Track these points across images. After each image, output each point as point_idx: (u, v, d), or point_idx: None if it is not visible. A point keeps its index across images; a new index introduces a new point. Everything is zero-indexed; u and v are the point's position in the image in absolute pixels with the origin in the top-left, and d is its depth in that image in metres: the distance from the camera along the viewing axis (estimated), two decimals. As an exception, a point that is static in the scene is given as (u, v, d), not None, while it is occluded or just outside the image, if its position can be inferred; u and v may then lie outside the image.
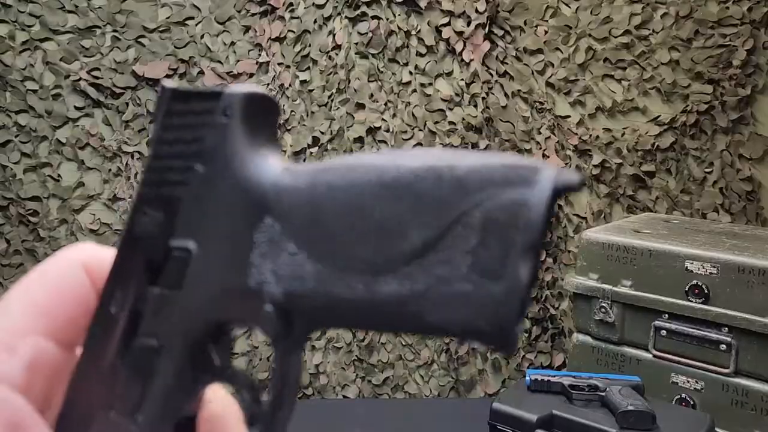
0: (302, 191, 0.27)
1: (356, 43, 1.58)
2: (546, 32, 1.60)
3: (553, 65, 1.59)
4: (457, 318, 0.23)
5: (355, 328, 0.29)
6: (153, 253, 0.28)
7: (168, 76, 1.50)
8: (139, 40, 1.49)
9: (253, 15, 1.55)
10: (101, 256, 0.28)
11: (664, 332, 1.14)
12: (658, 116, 1.61)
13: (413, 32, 1.58)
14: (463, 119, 1.62)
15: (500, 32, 1.63)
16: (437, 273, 0.24)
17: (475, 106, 1.62)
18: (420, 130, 1.61)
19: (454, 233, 0.24)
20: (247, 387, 0.27)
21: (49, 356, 0.27)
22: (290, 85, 1.58)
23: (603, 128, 1.61)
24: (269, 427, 0.27)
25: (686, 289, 1.12)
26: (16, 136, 1.47)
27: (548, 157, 1.58)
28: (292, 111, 1.59)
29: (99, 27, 1.48)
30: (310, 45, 1.57)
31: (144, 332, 0.28)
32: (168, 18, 1.50)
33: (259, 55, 1.56)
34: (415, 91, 1.61)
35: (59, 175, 1.49)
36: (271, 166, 0.28)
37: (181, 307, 0.28)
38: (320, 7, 1.57)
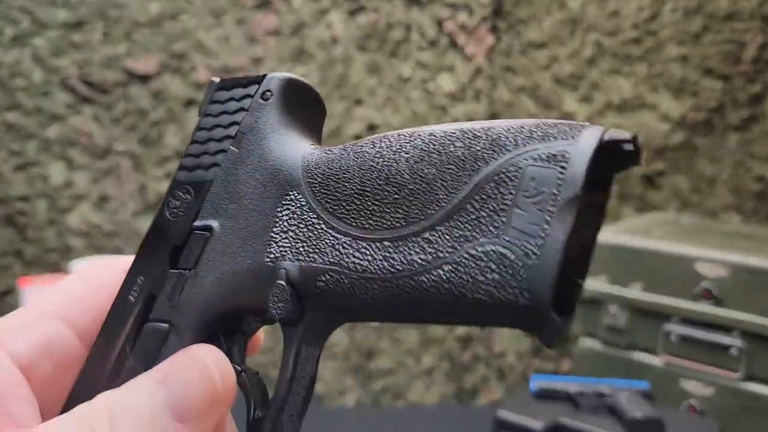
0: (330, 161, 0.27)
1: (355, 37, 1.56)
2: (552, 26, 1.58)
3: (559, 60, 1.57)
4: (483, 288, 0.22)
5: (375, 317, 0.27)
6: (178, 236, 0.29)
7: (159, 72, 1.47)
8: (130, 35, 1.46)
9: (247, 8, 1.53)
10: None
11: (673, 337, 1.13)
12: (668, 113, 1.59)
13: (414, 26, 1.56)
14: (467, 116, 1.60)
15: (505, 26, 1.61)
16: (463, 234, 0.23)
17: (479, 102, 1.60)
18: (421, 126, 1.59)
19: (486, 192, 0.23)
20: (257, 391, 0.27)
21: (64, 344, 0.28)
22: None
23: (612, 125, 1.58)
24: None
25: (696, 292, 1.10)
26: (5, 134, 1.44)
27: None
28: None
29: (89, 22, 1.45)
30: (306, 38, 1.54)
31: (156, 316, 0.28)
32: (159, 12, 1.47)
33: (254, 49, 1.54)
34: (416, 86, 1.58)
35: (47, 175, 1.46)
36: (301, 145, 0.29)
37: (194, 287, 0.28)
38: None
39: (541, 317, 0.21)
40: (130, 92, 1.48)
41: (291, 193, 0.27)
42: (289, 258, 0.26)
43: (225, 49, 1.53)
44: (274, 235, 0.27)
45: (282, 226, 0.27)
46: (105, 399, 0.25)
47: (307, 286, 0.26)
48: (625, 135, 0.22)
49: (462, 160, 0.24)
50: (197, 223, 0.29)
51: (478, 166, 0.23)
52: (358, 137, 1.60)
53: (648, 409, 0.97)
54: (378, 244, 0.25)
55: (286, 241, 0.26)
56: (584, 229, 0.24)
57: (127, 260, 0.30)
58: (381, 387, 1.57)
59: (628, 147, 0.22)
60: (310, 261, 0.26)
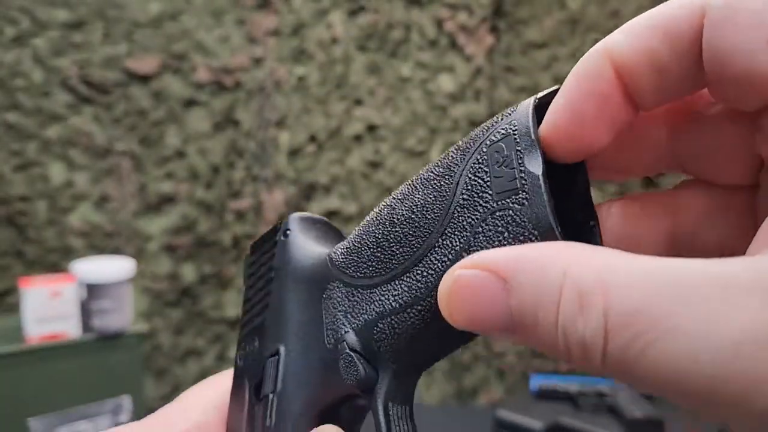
0: (350, 241, 0.31)
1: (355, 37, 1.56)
2: (552, 26, 1.58)
3: (559, 60, 1.57)
4: (504, 243, 0.25)
5: (433, 348, 0.30)
6: (255, 374, 0.33)
7: (160, 72, 1.47)
8: (130, 35, 1.46)
9: (247, 8, 1.53)
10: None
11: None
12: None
13: (414, 26, 1.56)
14: (467, 115, 1.59)
15: (505, 26, 1.61)
16: (468, 222, 0.26)
17: (479, 102, 1.59)
18: (421, 127, 1.59)
19: (468, 186, 0.26)
20: None
21: None
22: (287, 81, 1.55)
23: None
24: None
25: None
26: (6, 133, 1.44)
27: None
28: (288, 107, 1.56)
29: (89, 22, 1.45)
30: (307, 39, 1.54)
31: None
32: (159, 12, 1.47)
33: (254, 49, 1.54)
34: (416, 86, 1.58)
35: (48, 175, 1.46)
36: (324, 249, 0.33)
37: (282, 402, 0.31)
38: None
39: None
40: (130, 92, 1.47)
41: (329, 285, 0.31)
42: (343, 331, 0.29)
43: (225, 49, 1.53)
44: (325, 324, 0.30)
45: (327, 313, 0.30)
46: None
47: (367, 345, 0.29)
48: (551, 89, 0.26)
49: (439, 176, 0.27)
50: (266, 353, 0.33)
51: (454, 170, 0.27)
52: (358, 137, 1.60)
53: (648, 409, 0.97)
54: (398, 279, 0.28)
55: (335, 320, 0.30)
56: (577, 178, 0.27)
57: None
58: (381, 387, 1.57)
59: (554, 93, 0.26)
60: (359, 322, 0.29)
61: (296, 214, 0.35)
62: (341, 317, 0.30)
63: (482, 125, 0.27)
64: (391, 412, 0.29)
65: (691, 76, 0.25)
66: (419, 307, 0.28)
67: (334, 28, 1.56)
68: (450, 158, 0.27)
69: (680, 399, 0.19)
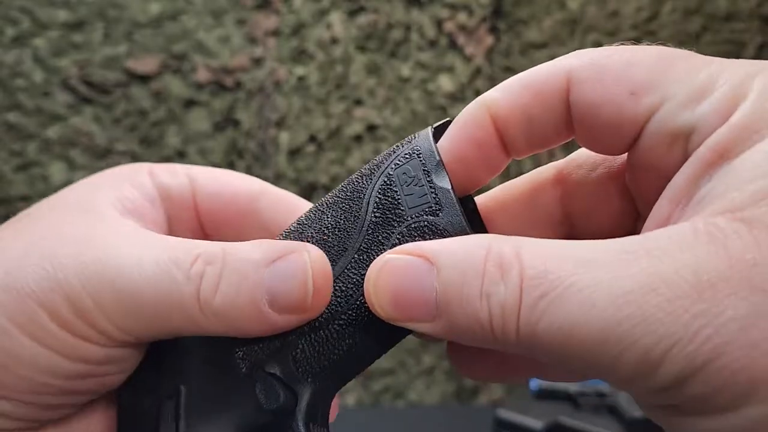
0: None
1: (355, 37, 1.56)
2: (552, 26, 1.58)
3: (558, 60, 1.57)
4: None
5: (361, 362, 0.33)
6: (147, 420, 0.30)
7: (160, 72, 1.47)
8: (130, 35, 1.46)
9: (247, 8, 1.53)
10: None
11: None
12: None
13: (414, 26, 1.56)
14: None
15: (504, 26, 1.61)
16: (384, 235, 0.29)
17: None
18: (421, 127, 1.59)
19: (379, 206, 0.29)
20: None
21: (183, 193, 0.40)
22: (287, 81, 1.56)
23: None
24: None
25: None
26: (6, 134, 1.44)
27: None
28: (288, 107, 1.56)
29: (89, 22, 1.45)
30: (307, 39, 1.54)
31: None
32: (159, 12, 1.47)
33: (254, 49, 1.54)
34: (416, 87, 1.58)
35: (48, 175, 1.46)
36: None
37: None
38: (317, 0, 1.55)
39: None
40: (130, 92, 1.48)
41: None
42: (260, 355, 0.29)
43: (225, 49, 1.53)
44: (236, 351, 0.30)
45: (238, 338, 0.30)
46: (215, 250, 0.29)
47: (285, 367, 0.29)
48: (444, 120, 0.31)
49: (347, 199, 0.30)
50: (162, 392, 0.30)
51: (361, 194, 0.29)
52: (358, 137, 1.60)
53: (648, 409, 0.97)
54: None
55: (248, 345, 0.30)
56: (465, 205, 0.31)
57: (261, 183, 0.39)
58: (381, 387, 1.57)
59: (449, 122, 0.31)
60: (276, 344, 0.29)
61: None
62: (256, 341, 0.29)
63: (380, 155, 0.30)
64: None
65: (558, 128, 0.30)
66: (340, 322, 0.29)
67: (334, 28, 1.56)
68: (354, 183, 0.29)
69: (577, 355, 0.22)
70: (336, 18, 1.60)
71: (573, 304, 0.21)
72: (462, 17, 1.64)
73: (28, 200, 1.46)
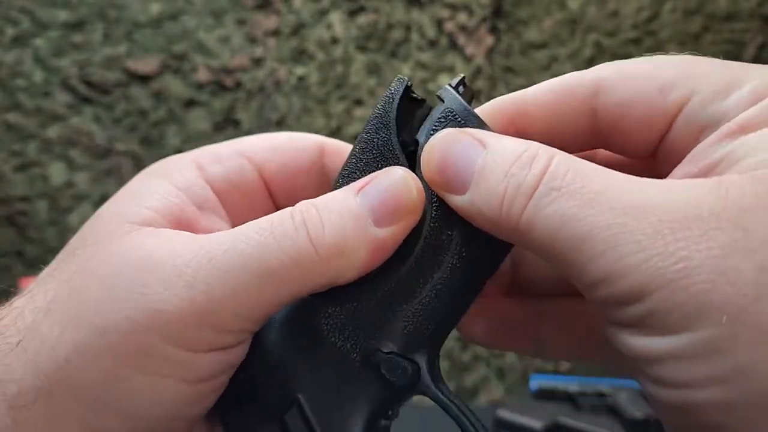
0: None
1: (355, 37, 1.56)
2: (552, 26, 1.58)
3: (559, 60, 1.57)
4: None
5: (458, 315, 0.33)
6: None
7: (160, 72, 1.47)
8: (130, 35, 1.46)
9: (247, 8, 1.53)
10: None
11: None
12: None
13: (414, 26, 1.56)
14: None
15: (505, 26, 1.61)
16: None
17: (479, 102, 1.59)
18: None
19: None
20: None
21: (248, 179, 0.36)
22: (287, 81, 1.56)
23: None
24: None
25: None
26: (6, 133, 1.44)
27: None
28: (288, 107, 1.56)
29: (89, 22, 1.45)
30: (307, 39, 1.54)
31: None
32: (159, 12, 1.47)
33: (254, 49, 1.54)
34: (416, 87, 1.58)
35: (48, 175, 1.46)
36: None
37: None
38: (317, 0, 1.55)
39: None
40: (130, 92, 1.48)
41: (326, 311, 0.32)
42: (368, 340, 0.31)
43: (225, 49, 1.53)
44: (339, 346, 0.31)
45: (334, 335, 0.32)
46: (303, 203, 0.29)
47: (400, 342, 0.31)
48: (460, 77, 0.36)
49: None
50: (273, 409, 0.31)
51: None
52: (358, 137, 1.60)
53: (648, 409, 0.96)
54: (410, 266, 0.30)
55: (352, 336, 0.31)
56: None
57: (317, 138, 0.41)
58: (381, 387, 1.57)
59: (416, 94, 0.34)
60: (381, 325, 0.31)
61: None
62: (355, 329, 0.30)
63: (388, 110, 0.37)
64: (445, 392, 0.32)
65: (581, 135, 0.32)
66: (438, 285, 0.30)
67: (334, 28, 1.56)
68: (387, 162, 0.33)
69: (560, 249, 0.24)
70: (336, 18, 1.60)
71: (576, 201, 0.24)
72: (462, 17, 1.64)
73: (28, 200, 1.46)
